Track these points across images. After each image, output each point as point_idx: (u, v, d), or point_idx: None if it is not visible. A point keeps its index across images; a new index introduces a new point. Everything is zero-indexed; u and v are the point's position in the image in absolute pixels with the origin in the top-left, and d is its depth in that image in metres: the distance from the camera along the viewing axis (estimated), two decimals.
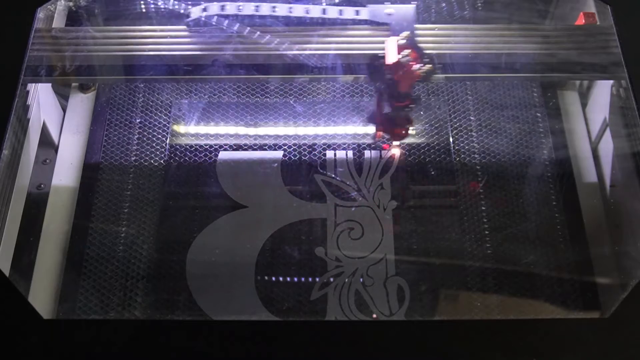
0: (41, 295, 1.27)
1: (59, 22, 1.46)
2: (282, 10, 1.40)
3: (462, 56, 1.38)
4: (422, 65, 1.33)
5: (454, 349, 1.02)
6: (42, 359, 1.01)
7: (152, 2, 1.52)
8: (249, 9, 1.40)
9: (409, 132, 1.43)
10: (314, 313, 1.24)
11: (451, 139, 1.44)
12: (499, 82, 1.52)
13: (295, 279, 1.28)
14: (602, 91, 1.42)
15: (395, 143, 1.42)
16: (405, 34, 1.35)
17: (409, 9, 1.42)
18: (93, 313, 1.25)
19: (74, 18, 1.50)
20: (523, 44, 1.37)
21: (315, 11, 1.40)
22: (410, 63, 1.32)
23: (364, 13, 1.40)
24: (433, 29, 1.41)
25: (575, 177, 1.41)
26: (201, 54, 1.39)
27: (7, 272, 1.15)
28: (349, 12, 1.40)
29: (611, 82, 1.37)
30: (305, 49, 1.37)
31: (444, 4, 1.58)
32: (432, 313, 1.26)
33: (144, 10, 1.54)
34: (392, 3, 1.43)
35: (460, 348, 1.02)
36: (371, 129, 1.45)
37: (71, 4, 1.50)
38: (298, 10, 1.40)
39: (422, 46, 1.36)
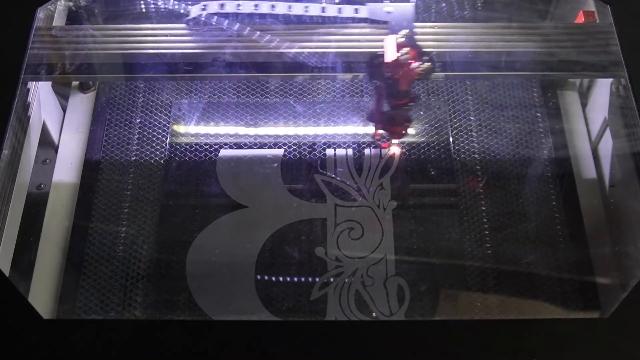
0: (41, 295, 1.27)
1: (59, 22, 1.46)
2: (281, 8, 1.40)
3: (462, 54, 1.37)
4: (421, 63, 1.33)
5: (454, 349, 1.02)
6: (42, 359, 1.01)
7: (152, 1, 1.52)
8: (248, 7, 1.40)
9: (408, 130, 1.43)
10: (314, 313, 1.24)
11: (451, 139, 1.44)
12: (499, 81, 1.52)
13: (295, 279, 1.28)
14: (602, 91, 1.42)
15: (395, 142, 1.41)
16: (405, 32, 1.35)
17: (408, 7, 1.42)
18: (93, 313, 1.25)
19: (74, 18, 1.50)
20: (523, 42, 1.37)
21: (314, 9, 1.40)
22: (409, 61, 1.32)
23: (363, 11, 1.40)
24: (433, 27, 1.41)
25: (575, 177, 1.41)
26: (201, 52, 1.38)
27: (7, 272, 1.15)
28: (348, 11, 1.40)
29: (610, 80, 1.37)
30: (304, 48, 1.37)
31: (444, 4, 1.58)
32: (432, 313, 1.26)
33: (144, 10, 1.54)
34: (391, 1, 1.44)
35: (460, 348, 1.02)
36: (371, 128, 1.45)
37: (71, 4, 1.50)
38: (297, 9, 1.40)
39: (422, 44, 1.36)
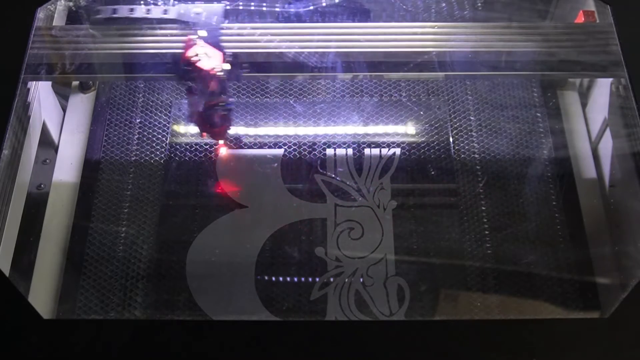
0: (41, 295, 1.27)
1: (59, 22, 1.46)
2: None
3: (462, 54, 1.37)
4: (218, 63, 1.33)
5: (454, 349, 1.02)
6: (42, 359, 1.01)
7: (152, 1, 1.52)
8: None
9: (228, 130, 1.44)
10: (314, 313, 1.24)
11: (451, 139, 1.45)
12: (499, 81, 1.52)
13: (295, 279, 1.28)
14: (602, 91, 1.42)
15: (219, 142, 1.42)
16: (201, 32, 1.36)
17: (217, 7, 1.43)
18: (93, 313, 1.25)
19: (74, 18, 1.50)
20: (523, 42, 1.37)
21: (122, 11, 1.43)
22: (195, 60, 1.33)
23: (172, 12, 1.42)
24: (433, 27, 1.41)
25: (575, 177, 1.41)
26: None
27: (7, 272, 1.15)
28: (156, 12, 1.42)
29: (610, 80, 1.37)
30: (297, 47, 1.36)
31: (444, 4, 1.58)
32: (432, 313, 1.26)
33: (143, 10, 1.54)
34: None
35: (460, 348, 1.02)
36: (372, 128, 1.45)
37: (71, 4, 1.50)
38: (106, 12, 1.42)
39: (422, 44, 1.36)
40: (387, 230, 1.30)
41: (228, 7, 1.46)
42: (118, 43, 1.39)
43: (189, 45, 1.34)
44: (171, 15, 1.41)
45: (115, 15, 1.44)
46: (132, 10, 1.42)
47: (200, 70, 1.34)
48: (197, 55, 1.33)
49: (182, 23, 1.40)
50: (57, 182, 1.40)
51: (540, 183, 1.40)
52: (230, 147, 1.43)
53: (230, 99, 1.44)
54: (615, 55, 1.27)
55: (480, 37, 1.38)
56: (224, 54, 1.35)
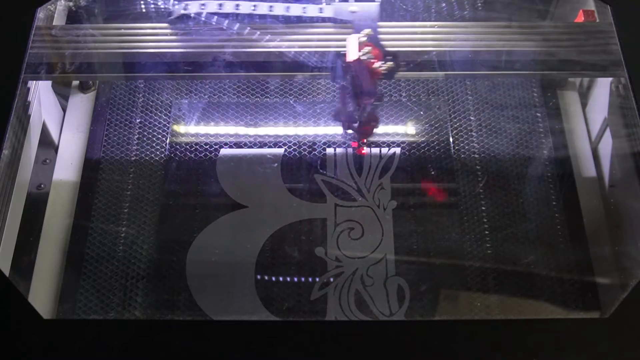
0: (41, 295, 1.27)
1: (59, 22, 1.46)
2: (245, 8, 1.39)
3: (462, 54, 1.37)
4: (383, 62, 1.33)
5: (454, 349, 1.02)
6: (42, 359, 1.01)
7: (152, 1, 1.52)
8: (212, 6, 1.40)
9: (376, 129, 1.43)
10: (314, 313, 1.24)
11: (451, 139, 1.44)
12: (499, 81, 1.52)
13: (295, 279, 1.28)
14: (602, 91, 1.42)
15: (364, 141, 1.42)
16: (367, 31, 1.35)
17: (373, 6, 1.42)
18: (93, 313, 1.25)
19: (74, 18, 1.50)
20: (523, 41, 1.37)
21: (279, 9, 1.40)
22: (371, 60, 1.32)
23: (328, 10, 1.40)
24: (433, 27, 1.41)
25: (575, 177, 1.41)
26: (201, 52, 1.38)
27: (7, 272, 1.15)
28: (312, 10, 1.40)
29: (610, 80, 1.37)
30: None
31: (444, 4, 1.58)
32: (432, 313, 1.26)
33: (144, 10, 1.54)
34: (356, 1, 1.43)
35: (460, 348, 1.02)
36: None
37: (71, 3, 1.50)
38: (262, 8, 1.40)
39: (422, 44, 1.36)
40: (387, 230, 1.30)
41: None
42: (119, 43, 1.38)
43: (360, 45, 1.32)
44: (328, 13, 1.39)
45: (271, 12, 1.40)
46: (203, 5, 1.40)
47: (369, 69, 1.32)
48: (366, 54, 1.31)
49: (339, 22, 1.38)
50: (57, 182, 1.40)
51: (540, 183, 1.40)
52: (228, 147, 1.43)
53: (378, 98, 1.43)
54: (615, 54, 1.27)
55: (480, 37, 1.38)
56: (384, 52, 1.34)
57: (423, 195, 1.38)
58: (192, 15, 1.39)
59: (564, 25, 1.48)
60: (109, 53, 1.38)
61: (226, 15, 1.40)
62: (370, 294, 1.24)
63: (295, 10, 1.39)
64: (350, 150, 1.40)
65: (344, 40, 1.35)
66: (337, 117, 1.45)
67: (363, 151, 1.40)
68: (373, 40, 1.34)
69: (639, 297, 1.05)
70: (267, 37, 1.37)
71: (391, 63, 1.32)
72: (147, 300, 1.27)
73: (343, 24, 1.39)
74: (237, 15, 1.41)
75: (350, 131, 1.42)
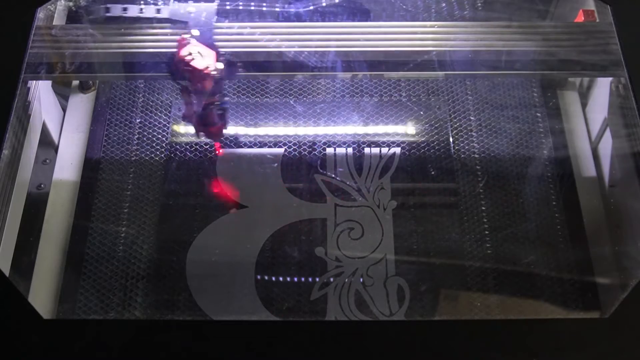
0: (41, 295, 1.27)
1: (59, 21, 1.46)
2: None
3: (462, 54, 1.37)
4: (212, 63, 1.33)
5: (454, 349, 1.02)
6: (42, 359, 1.01)
7: (152, 1, 1.52)
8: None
9: (223, 129, 1.43)
10: (314, 313, 1.24)
11: (451, 139, 1.45)
12: (499, 81, 1.52)
13: (295, 279, 1.28)
14: (602, 91, 1.42)
15: (215, 142, 1.42)
16: (194, 31, 1.36)
17: (210, 7, 1.42)
18: (93, 313, 1.25)
19: (74, 18, 1.50)
20: (523, 41, 1.37)
21: (115, 10, 1.42)
22: (188, 59, 1.32)
23: (165, 11, 1.41)
24: (433, 27, 1.41)
25: (575, 177, 1.41)
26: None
27: (7, 272, 1.15)
28: (150, 11, 1.42)
29: (610, 80, 1.37)
30: (297, 47, 1.36)
31: (444, 4, 1.58)
32: (432, 313, 1.26)
33: (144, 10, 1.54)
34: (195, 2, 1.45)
35: (460, 348, 1.02)
36: (371, 128, 1.45)
37: (71, 4, 1.50)
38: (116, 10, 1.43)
39: (422, 43, 1.36)
40: (387, 230, 1.30)
41: (228, 7, 1.46)
42: (117, 42, 1.39)
43: (182, 44, 1.34)
44: (164, 14, 1.41)
45: (108, 14, 1.44)
46: (125, 9, 1.42)
47: (194, 69, 1.33)
48: (190, 54, 1.32)
49: (175, 22, 1.40)
50: (57, 182, 1.40)
51: (540, 183, 1.40)
52: (227, 147, 1.42)
53: (226, 98, 1.44)
54: (615, 54, 1.27)
55: (480, 37, 1.38)
56: (218, 53, 1.35)
57: (423, 195, 1.38)
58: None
59: (564, 25, 1.48)
60: (109, 53, 1.38)
61: (226, 15, 1.40)
62: (370, 294, 1.24)
63: (133, 11, 1.42)
64: (350, 150, 1.40)
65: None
66: (185, 119, 1.45)
67: (220, 151, 1.40)
68: (204, 40, 1.35)
69: (639, 297, 1.05)
70: (267, 37, 1.37)
71: (220, 64, 1.33)
72: (147, 300, 1.27)
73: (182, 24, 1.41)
74: (238, 14, 1.41)
75: (201, 133, 1.43)
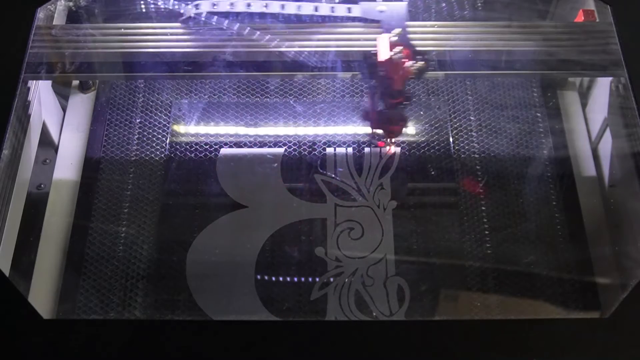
0: (41, 295, 1.27)
1: (59, 22, 1.46)
2: (274, 7, 1.40)
3: (462, 54, 1.37)
4: (414, 62, 1.33)
5: (454, 349, 1.02)
6: (42, 359, 1.01)
7: (152, 1, 1.52)
8: (241, 6, 1.39)
9: (404, 129, 1.43)
10: (314, 313, 1.24)
11: (451, 139, 1.45)
12: (499, 81, 1.52)
13: (295, 279, 1.28)
14: (602, 91, 1.42)
15: (391, 141, 1.41)
16: (397, 30, 1.35)
17: (401, 6, 1.42)
18: (93, 313, 1.25)
19: (73, 18, 1.50)
20: (523, 41, 1.37)
21: (307, 8, 1.40)
22: (403, 60, 1.32)
23: (356, 10, 1.40)
24: (433, 27, 1.41)
25: (575, 177, 1.41)
26: (201, 52, 1.38)
27: (7, 272, 1.15)
28: (340, 10, 1.40)
29: (610, 79, 1.37)
30: (303, 47, 1.36)
31: (444, 4, 1.58)
32: (432, 313, 1.26)
33: (143, 10, 1.54)
34: (384, 0, 1.43)
35: (460, 348, 1.02)
36: (369, 128, 1.45)
37: (71, 4, 1.50)
38: (290, 8, 1.40)
39: (422, 43, 1.36)
40: (387, 230, 1.30)
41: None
42: (119, 42, 1.38)
43: (391, 44, 1.33)
44: (355, 13, 1.39)
45: (215, 10, 1.39)
46: (215, 5, 1.39)
47: (400, 69, 1.32)
48: (398, 53, 1.31)
49: (367, 21, 1.39)
50: (57, 182, 1.40)
51: (540, 183, 1.40)
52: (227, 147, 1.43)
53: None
54: (615, 54, 1.27)
55: (480, 37, 1.38)
56: (413, 52, 1.34)
57: (423, 195, 1.38)
58: (203, 15, 1.39)
59: (563, 25, 1.48)
60: (109, 53, 1.38)
61: (226, 15, 1.40)
62: (370, 294, 1.24)
63: (324, 10, 1.39)
64: (350, 150, 1.40)
65: (374, 40, 1.35)
66: (365, 117, 1.45)
67: (391, 151, 1.39)
68: (403, 40, 1.34)
69: (639, 297, 1.05)
70: (267, 37, 1.37)
71: (422, 63, 1.32)
72: (147, 300, 1.27)
73: (372, 23, 1.39)
74: (238, 14, 1.41)
75: (379, 131, 1.42)
